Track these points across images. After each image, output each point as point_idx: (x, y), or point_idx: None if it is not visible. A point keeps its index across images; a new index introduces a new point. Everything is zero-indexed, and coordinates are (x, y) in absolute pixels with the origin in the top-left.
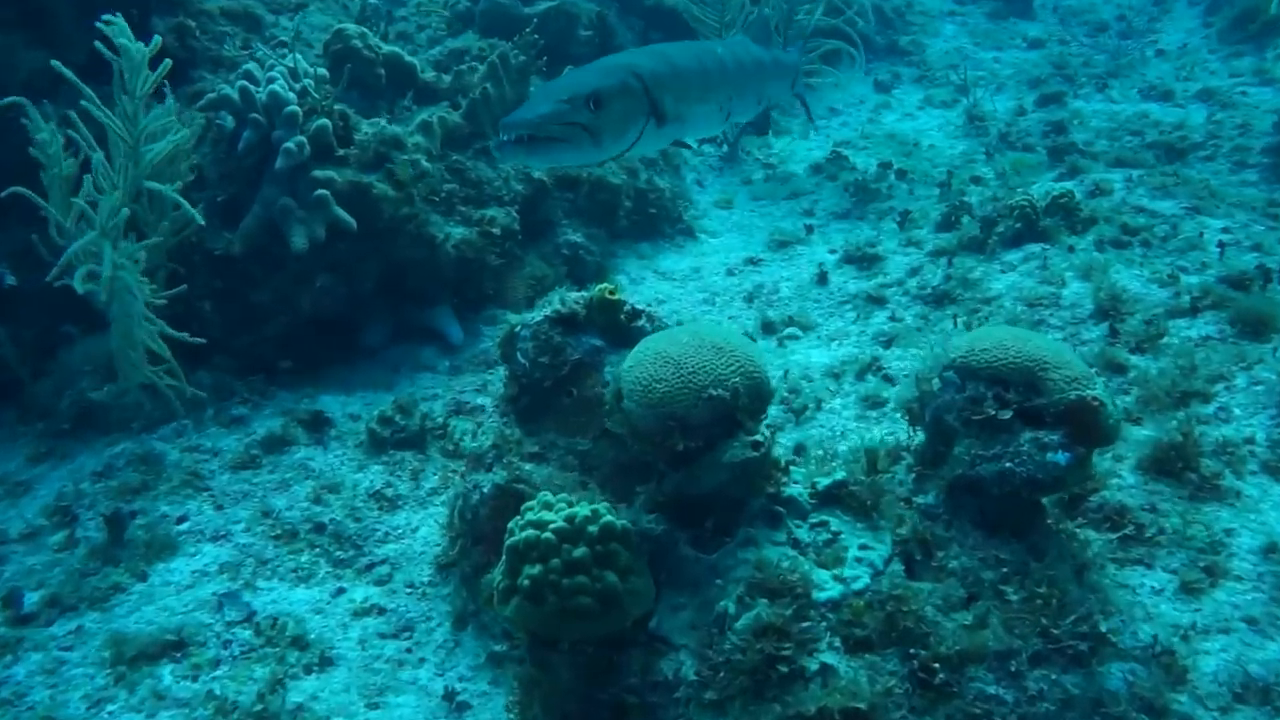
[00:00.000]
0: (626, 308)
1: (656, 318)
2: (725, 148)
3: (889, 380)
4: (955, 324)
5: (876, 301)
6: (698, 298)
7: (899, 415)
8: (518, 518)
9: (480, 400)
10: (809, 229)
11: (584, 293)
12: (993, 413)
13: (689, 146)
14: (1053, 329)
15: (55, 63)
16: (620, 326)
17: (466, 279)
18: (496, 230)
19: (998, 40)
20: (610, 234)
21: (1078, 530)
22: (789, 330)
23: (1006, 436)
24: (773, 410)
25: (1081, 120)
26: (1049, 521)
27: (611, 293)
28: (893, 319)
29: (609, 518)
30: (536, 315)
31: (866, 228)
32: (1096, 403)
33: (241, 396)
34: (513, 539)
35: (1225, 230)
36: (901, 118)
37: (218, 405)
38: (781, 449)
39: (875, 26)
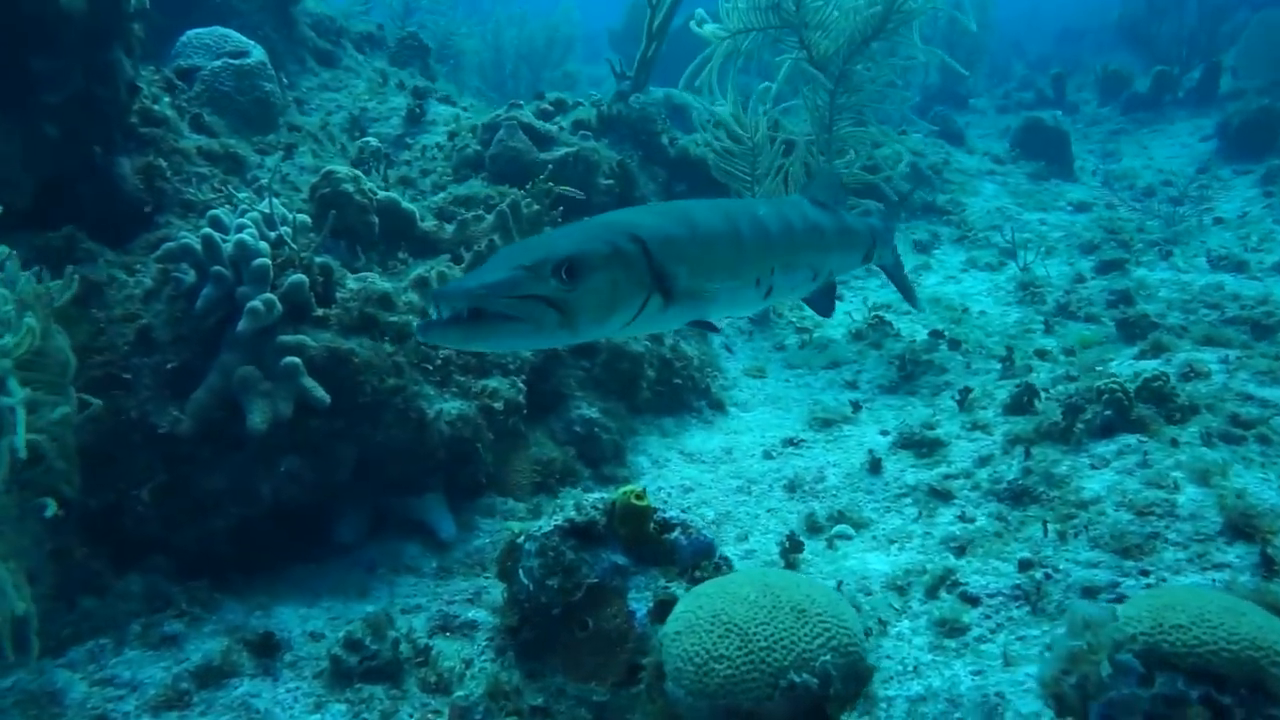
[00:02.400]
0: (657, 517)
1: (693, 528)
2: None
3: (969, 600)
4: (1045, 531)
5: (941, 496)
6: (730, 485)
7: (985, 648)
8: None
9: (472, 614)
10: (855, 405)
11: (604, 494)
12: None
13: (713, 328)
14: (1172, 546)
15: None
16: (648, 539)
17: (461, 461)
18: (498, 404)
19: (1041, 201)
20: (630, 407)
21: None
22: (838, 528)
23: None
24: None
25: (1149, 291)
26: None
27: (638, 497)
28: (962, 518)
29: None
30: (545, 524)
31: (920, 405)
32: None
33: (178, 608)
34: None
35: None
36: (944, 280)
37: (147, 619)
38: None
39: (911, 184)
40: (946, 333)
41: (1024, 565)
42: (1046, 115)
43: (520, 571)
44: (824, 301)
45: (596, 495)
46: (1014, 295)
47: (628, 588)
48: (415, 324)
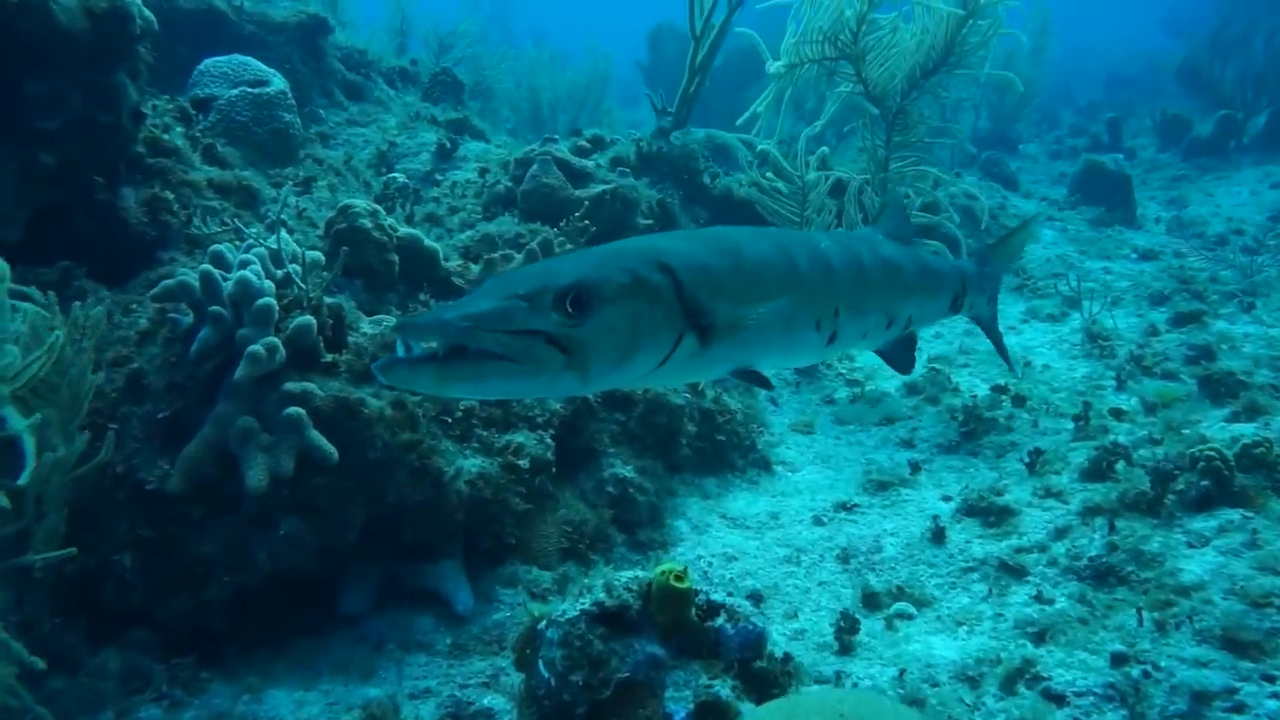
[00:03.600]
0: (699, 600)
1: (741, 615)
2: None
3: (1053, 699)
4: (1140, 620)
5: (1013, 572)
6: (777, 555)
7: None
8: None
9: (489, 700)
10: (914, 466)
11: (638, 573)
12: None
13: (765, 384)
14: None
15: None
16: (689, 628)
17: (481, 524)
18: (524, 462)
19: (1104, 249)
20: (668, 465)
21: None
22: (898, 605)
23: None
24: None
25: (1233, 345)
26: None
27: (678, 578)
28: (1039, 599)
29: None
30: (570, 608)
31: (984, 468)
32: None
33: (158, 690)
34: None
35: None
36: (1004, 331)
37: (122, 704)
38: None
39: (966, 229)
40: (1011, 388)
41: (1117, 659)
42: (1108, 159)
43: (540, 662)
44: (902, 355)
45: (629, 574)
46: (1080, 348)
47: (664, 685)
48: (376, 365)
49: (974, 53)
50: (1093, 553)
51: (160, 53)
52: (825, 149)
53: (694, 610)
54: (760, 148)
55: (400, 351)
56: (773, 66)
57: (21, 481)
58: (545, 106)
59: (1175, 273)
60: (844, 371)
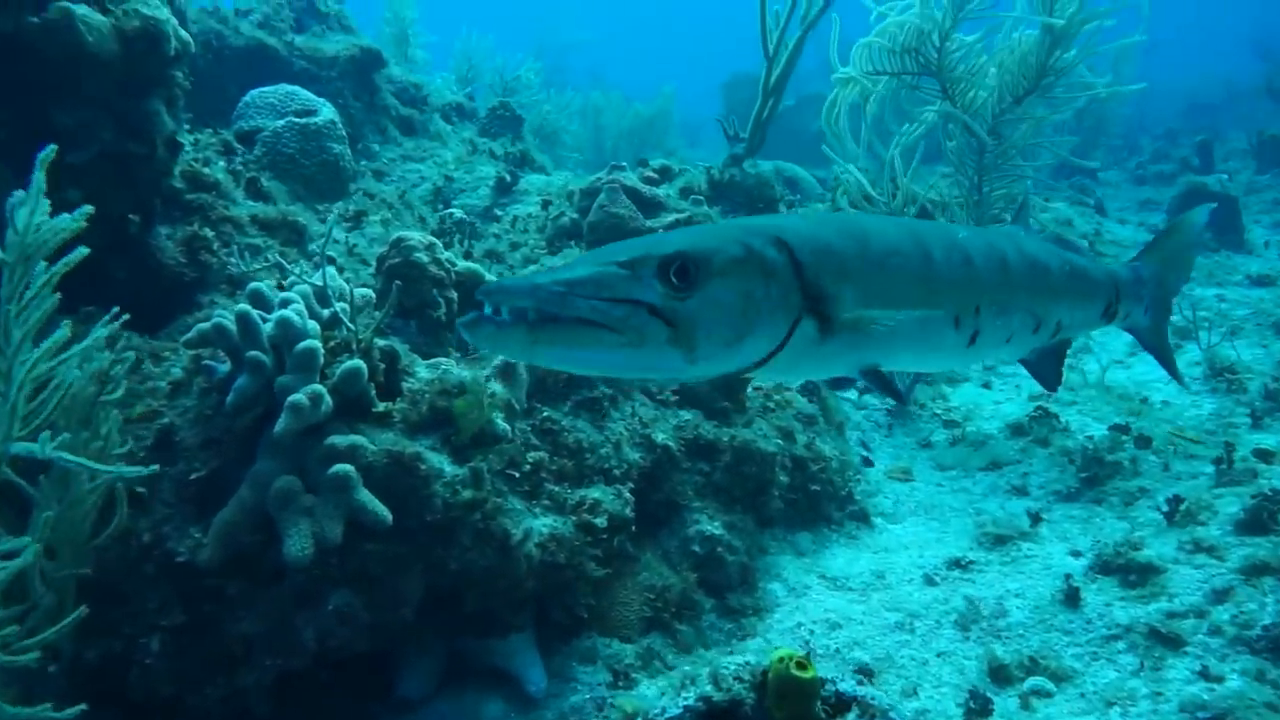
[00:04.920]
0: (826, 690)
1: (878, 709)
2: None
3: None
4: None
5: (1168, 642)
6: (887, 621)
7: None
8: None
9: None
10: (1034, 518)
11: (751, 659)
12: None
13: (895, 393)
14: None
15: None
16: None
17: (554, 592)
18: (600, 520)
19: (1214, 275)
20: (758, 520)
21: None
22: (1033, 681)
23: None
24: None
25: None
26: None
27: (800, 665)
28: (1205, 675)
29: None
30: (670, 706)
31: (1111, 518)
32: None
33: None
34: None
35: None
36: (1110, 365)
37: None
38: None
39: None
40: (1131, 427)
41: None
42: (1211, 180)
43: None
44: (1050, 366)
45: (738, 662)
46: (1203, 382)
47: None
48: (462, 320)
49: (1069, 70)
50: (1266, 621)
51: (209, 90)
52: (912, 171)
53: (820, 705)
54: (841, 172)
55: (489, 309)
56: (841, 72)
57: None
58: (609, 142)
59: None
60: (939, 412)
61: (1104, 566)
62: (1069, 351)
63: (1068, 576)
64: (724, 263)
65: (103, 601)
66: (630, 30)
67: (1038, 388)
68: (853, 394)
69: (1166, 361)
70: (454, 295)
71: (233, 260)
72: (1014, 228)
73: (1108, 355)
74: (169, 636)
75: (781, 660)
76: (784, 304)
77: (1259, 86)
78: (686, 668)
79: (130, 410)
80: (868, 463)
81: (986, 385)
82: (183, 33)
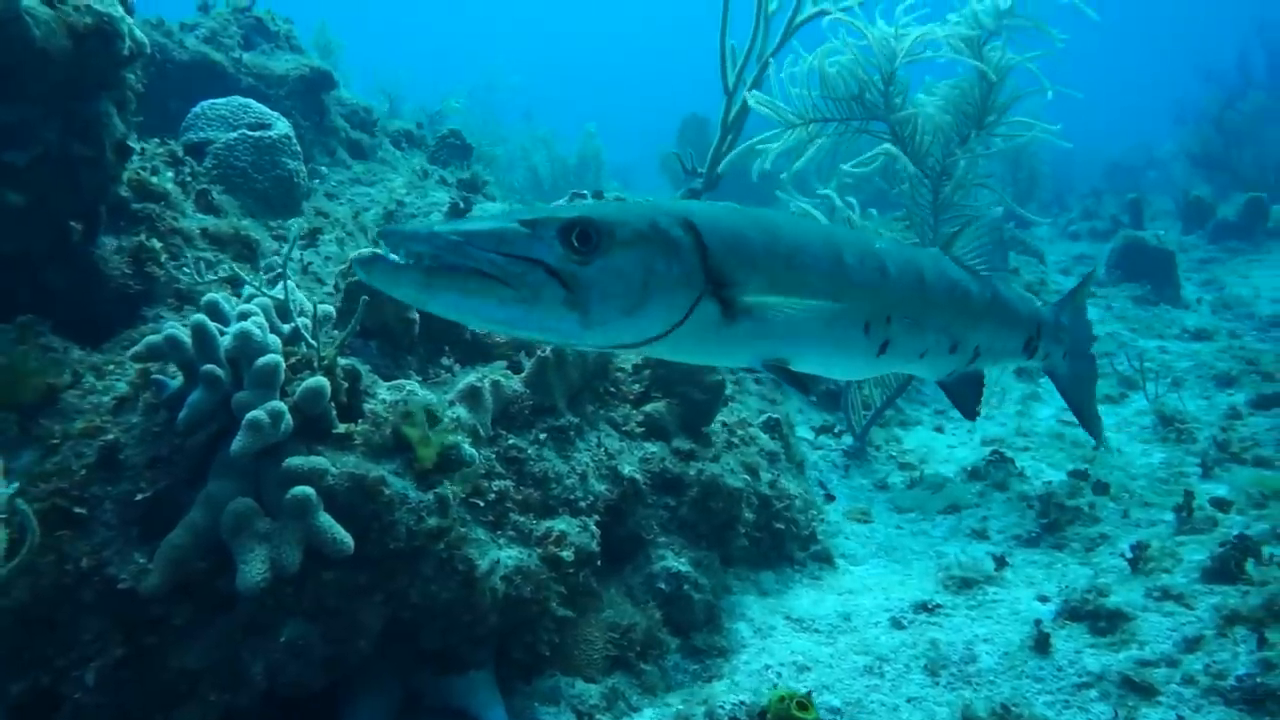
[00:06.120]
0: None
1: None
2: (849, 438)
3: None
4: None
5: (1141, 691)
6: (855, 664)
7: None
8: None
9: None
10: (999, 561)
11: (746, 698)
12: None
13: (802, 388)
14: None
15: None
16: None
17: (517, 628)
18: (567, 553)
19: (1154, 328)
20: (723, 557)
21: None
22: None
23: None
24: None
25: None
26: None
27: (802, 705)
28: None
29: None
30: None
31: (1074, 563)
32: None
33: None
34: None
35: None
36: (1061, 412)
37: None
38: None
39: None
40: (1090, 474)
41: None
42: (1148, 235)
43: None
44: (968, 392)
45: (733, 700)
46: (1151, 432)
47: None
48: (358, 257)
49: (1003, 117)
50: (1240, 671)
51: (151, 105)
52: (873, 210)
53: None
54: (796, 207)
55: (388, 251)
56: (754, 97)
57: None
58: (546, 181)
59: (1237, 353)
60: (895, 454)
61: (1072, 612)
62: (1020, 398)
63: (1038, 622)
64: (628, 234)
65: (33, 632)
66: (561, 73)
67: (991, 432)
68: (809, 433)
69: (1084, 416)
70: (415, 317)
71: (186, 270)
72: (937, 251)
73: (1058, 402)
74: (107, 670)
75: (782, 700)
76: (685, 282)
77: (1176, 150)
78: (680, 706)
79: (70, 425)
80: (830, 498)
81: (939, 429)
82: (138, 33)
